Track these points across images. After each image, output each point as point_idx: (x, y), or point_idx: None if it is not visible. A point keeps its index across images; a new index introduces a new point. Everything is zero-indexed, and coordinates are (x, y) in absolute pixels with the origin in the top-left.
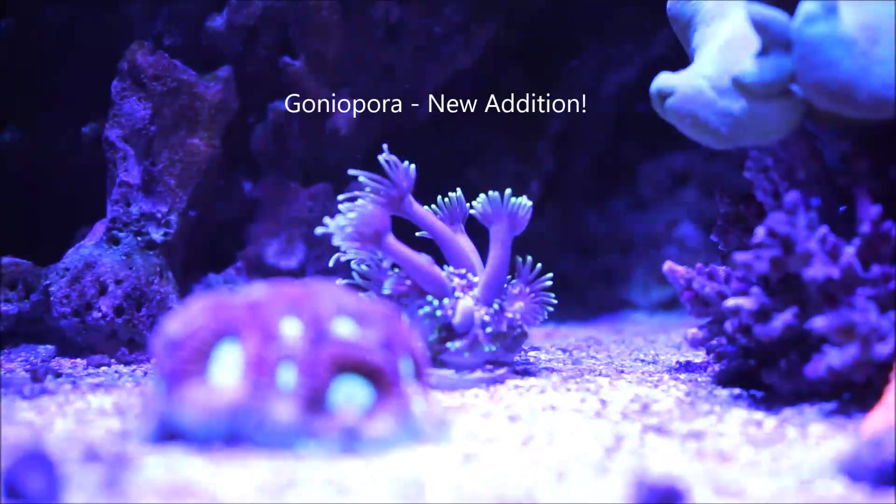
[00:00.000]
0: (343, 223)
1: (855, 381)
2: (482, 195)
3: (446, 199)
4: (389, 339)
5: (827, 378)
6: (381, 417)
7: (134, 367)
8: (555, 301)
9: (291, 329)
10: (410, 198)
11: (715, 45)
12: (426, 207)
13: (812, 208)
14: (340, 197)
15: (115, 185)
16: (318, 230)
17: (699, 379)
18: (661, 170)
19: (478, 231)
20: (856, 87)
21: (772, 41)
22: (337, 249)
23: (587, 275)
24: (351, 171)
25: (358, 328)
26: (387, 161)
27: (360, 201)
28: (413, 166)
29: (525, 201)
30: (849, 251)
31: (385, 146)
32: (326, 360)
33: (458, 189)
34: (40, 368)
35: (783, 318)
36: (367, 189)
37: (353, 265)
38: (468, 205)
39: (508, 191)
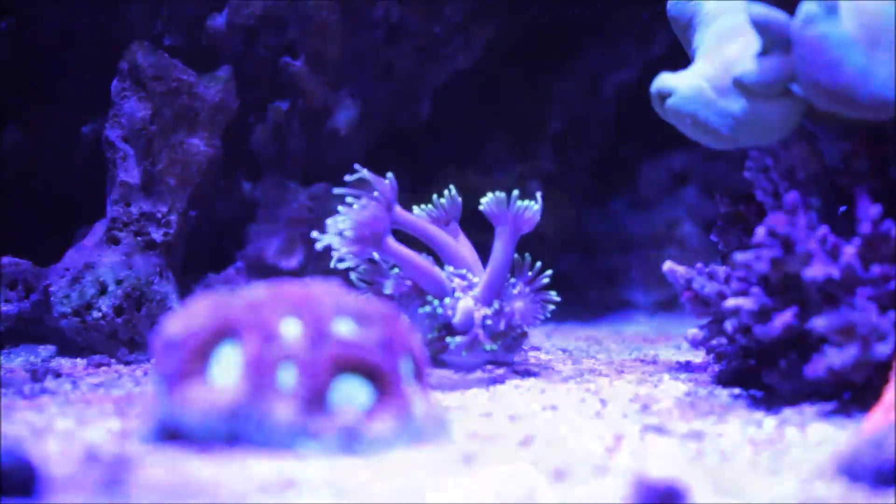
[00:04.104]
0: (342, 227)
1: (855, 381)
2: (490, 194)
3: (442, 200)
4: (389, 339)
5: (827, 378)
6: (381, 417)
7: (134, 367)
8: (556, 299)
9: (291, 329)
10: (398, 207)
11: (715, 46)
12: (420, 209)
13: (812, 208)
14: (338, 190)
15: (115, 185)
16: (318, 244)
17: (699, 379)
18: (661, 170)
19: (487, 228)
20: (856, 87)
21: (772, 41)
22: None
23: (587, 275)
24: (336, 190)
25: (358, 328)
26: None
27: (358, 203)
28: (392, 175)
29: (531, 203)
30: (849, 251)
31: (356, 165)
32: (326, 360)
33: (452, 187)
34: (40, 368)
35: (783, 318)
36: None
37: (353, 272)
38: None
39: (515, 192)
